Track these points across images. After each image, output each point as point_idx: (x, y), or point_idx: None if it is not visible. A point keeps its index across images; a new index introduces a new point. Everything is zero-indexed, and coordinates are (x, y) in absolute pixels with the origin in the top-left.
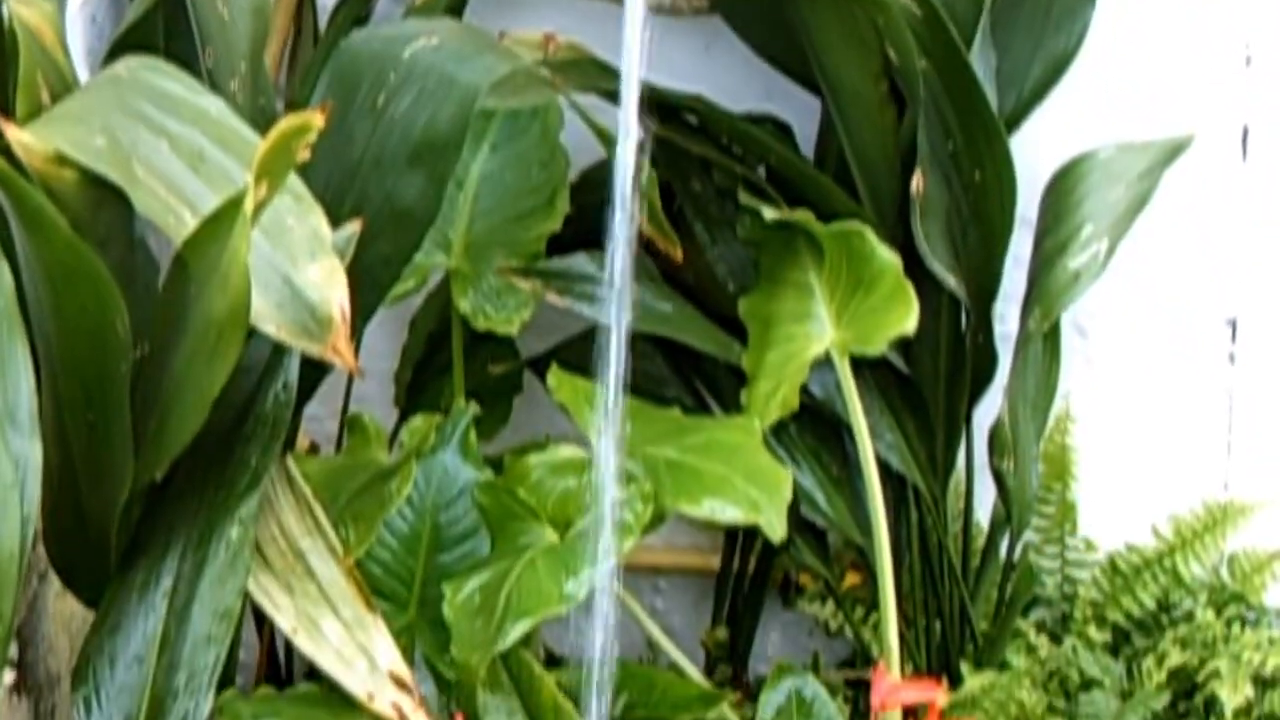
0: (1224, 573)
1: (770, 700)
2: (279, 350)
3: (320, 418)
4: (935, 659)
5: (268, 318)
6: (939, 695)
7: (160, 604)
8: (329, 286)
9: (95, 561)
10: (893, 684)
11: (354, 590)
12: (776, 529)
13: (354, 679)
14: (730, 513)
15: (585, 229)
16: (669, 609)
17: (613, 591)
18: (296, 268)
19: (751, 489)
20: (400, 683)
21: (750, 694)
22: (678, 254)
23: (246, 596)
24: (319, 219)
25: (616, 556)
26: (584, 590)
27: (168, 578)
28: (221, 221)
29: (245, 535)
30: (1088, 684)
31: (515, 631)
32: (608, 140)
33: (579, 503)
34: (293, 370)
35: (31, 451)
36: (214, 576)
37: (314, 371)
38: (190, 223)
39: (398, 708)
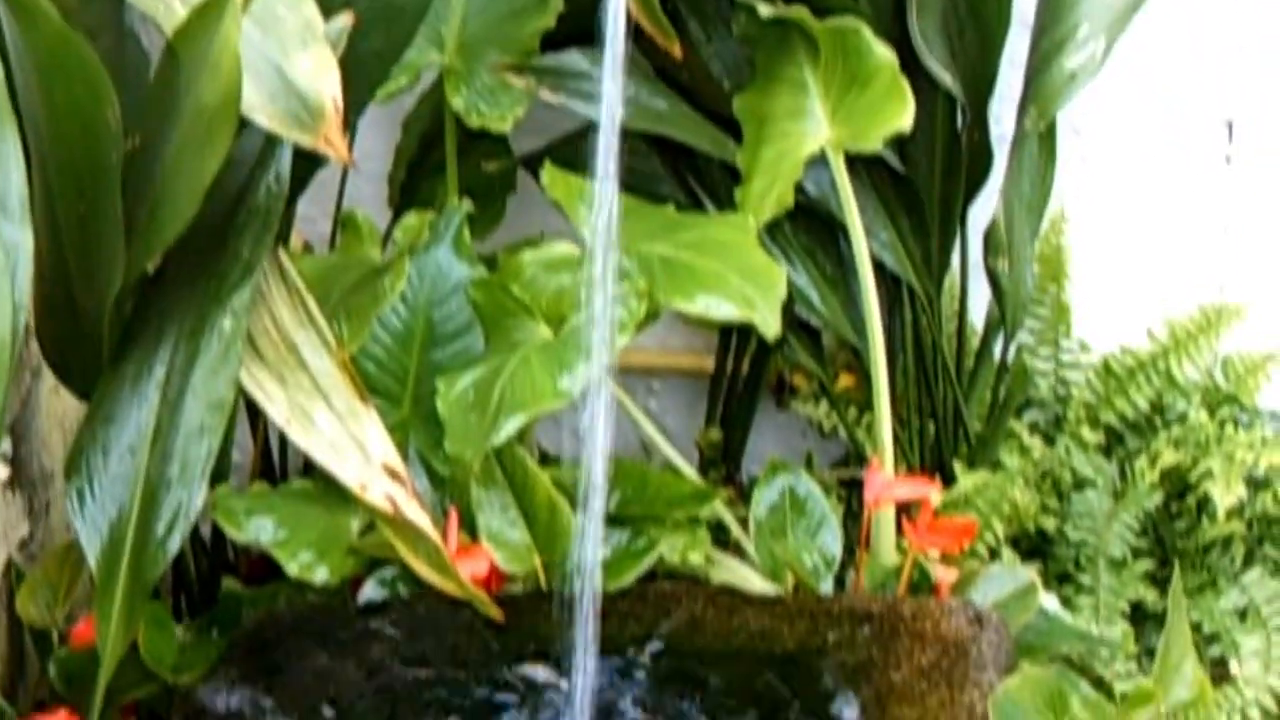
0: (1217, 374)
1: (763, 497)
2: (271, 141)
3: (314, 218)
4: (929, 459)
5: (259, 108)
6: (933, 491)
7: (153, 395)
8: (321, 77)
9: (88, 354)
10: (886, 480)
11: (347, 381)
12: (771, 325)
13: (347, 470)
14: (725, 309)
15: (579, 25)
16: (663, 410)
17: (606, 385)
18: (288, 58)
19: (746, 286)
20: (393, 473)
21: (743, 494)
22: (675, 49)
23: (239, 389)
24: (311, 9)
25: (610, 352)
26: (578, 386)
27: (160, 368)
28: (212, 10)
29: (238, 326)
30: (1080, 484)
31: (509, 426)
32: None
33: (573, 299)
34: (284, 161)
35: (23, 238)
36: (207, 367)
37: (306, 164)
38: (180, 11)
39: (390, 499)
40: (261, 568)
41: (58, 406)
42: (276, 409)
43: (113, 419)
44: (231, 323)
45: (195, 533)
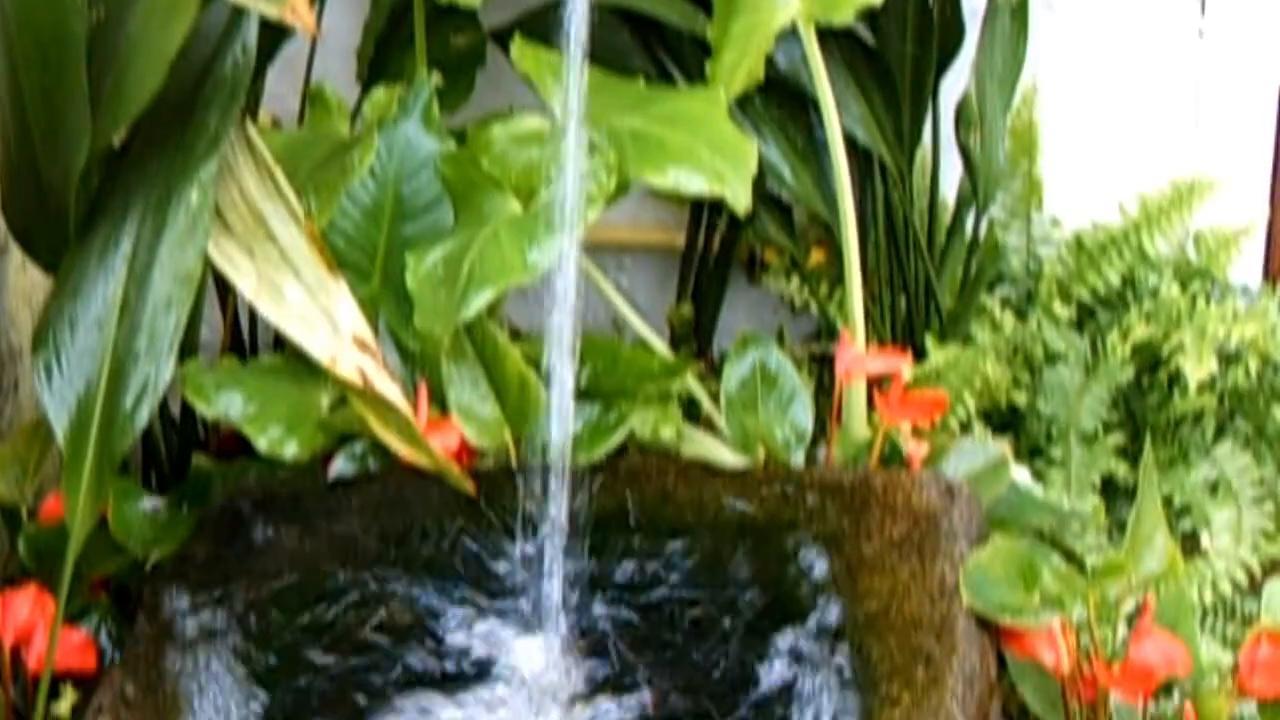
0: (1189, 249)
1: (734, 372)
2: (237, 12)
3: (283, 95)
4: (900, 334)
5: None
6: (904, 365)
7: (120, 268)
8: None
9: (54, 228)
10: (858, 354)
11: (315, 254)
12: (741, 199)
13: (316, 342)
14: (695, 183)
15: None
16: (634, 286)
17: (576, 258)
18: None
19: (717, 159)
20: (363, 346)
21: (714, 369)
22: None
23: (207, 263)
24: None
25: (580, 225)
26: (547, 260)
27: (127, 242)
28: None
29: (205, 199)
30: (1052, 358)
31: (478, 301)
32: None
33: (542, 173)
34: (251, 33)
35: None
36: (174, 240)
37: (273, 36)
38: None
39: (361, 371)
40: (231, 443)
41: (24, 282)
42: (245, 281)
43: (79, 293)
44: (199, 195)
45: (165, 409)
